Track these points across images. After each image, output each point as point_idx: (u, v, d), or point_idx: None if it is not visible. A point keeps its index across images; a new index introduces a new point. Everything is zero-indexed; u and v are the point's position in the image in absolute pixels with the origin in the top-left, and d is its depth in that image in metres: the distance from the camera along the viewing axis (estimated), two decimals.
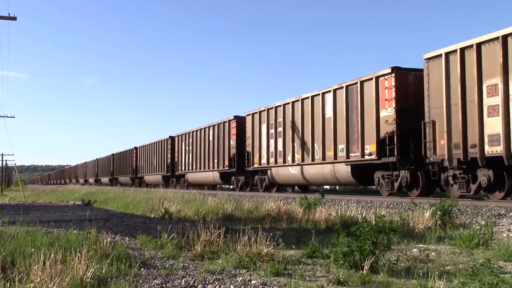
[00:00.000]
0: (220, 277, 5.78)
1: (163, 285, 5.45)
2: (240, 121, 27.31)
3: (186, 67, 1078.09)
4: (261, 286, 5.36)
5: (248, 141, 26.06)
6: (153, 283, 5.52)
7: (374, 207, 13.26)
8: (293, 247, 7.49)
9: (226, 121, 28.72)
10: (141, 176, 46.87)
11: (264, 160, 24.30)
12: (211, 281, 5.59)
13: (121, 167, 55.00)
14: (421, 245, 8.02)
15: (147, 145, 45.41)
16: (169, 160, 38.59)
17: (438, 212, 10.12)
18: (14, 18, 22.38)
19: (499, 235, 8.73)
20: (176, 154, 37.47)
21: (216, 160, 29.59)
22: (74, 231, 8.12)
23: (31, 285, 5.02)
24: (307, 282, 5.51)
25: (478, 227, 8.91)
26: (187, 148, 34.89)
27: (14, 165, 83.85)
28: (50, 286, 4.99)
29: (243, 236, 7.11)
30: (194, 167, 33.22)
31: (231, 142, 27.79)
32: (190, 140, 34.26)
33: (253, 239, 6.90)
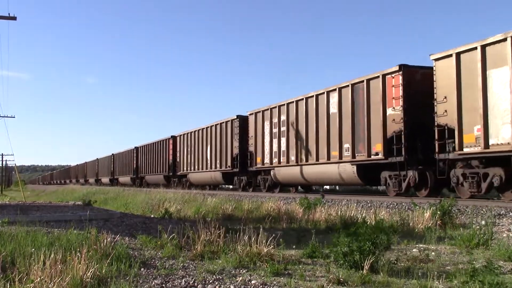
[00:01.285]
0: (220, 277, 5.78)
1: (163, 285, 5.45)
2: (410, 73, 15.94)
3: (187, 67, 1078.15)
4: (261, 286, 5.36)
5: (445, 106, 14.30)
6: (153, 283, 5.52)
7: (374, 207, 13.26)
8: (293, 247, 7.50)
9: (386, 74, 16.35)
10: (184, 173, 35.55)
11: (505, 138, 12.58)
12: (211, 281, 5.59)
13: (149, 163, 43.84)
14: (421, 245, 8.02)
15: (194, 131, 33.73)
16: (236, 150, 27.17)
17: (438, 212, 10.14)
18: (14, 18, 22.36)
19: (499, 235, 8.73)
20: (251, 142, 25.66)
21: (348, 145, 18.21)
22: (74, 231, 8.11)
23: (31, 285, 5.02)
24: (307, 282, 5.51)
25: (478, 227, 8.92)
26: (275, 131, 23.55)
27: (14, 165, 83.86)
28: (50, 286, 4.99)
29: (243, 236, 7.11)
30: (293, 158, 21.76)
31: (391, 113, 16.10)
32: (283, 118, 22.80)
33: (253, 239, 6.90)
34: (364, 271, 5.63)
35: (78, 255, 5.61)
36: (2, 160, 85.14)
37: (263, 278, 5.73)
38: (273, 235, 7.14)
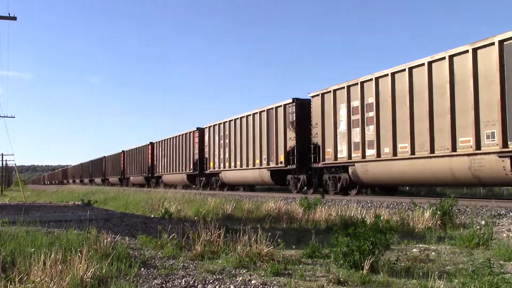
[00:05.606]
0: (220, 277, 5.78)
1: (163, 285, 5.45)
2: None
3: (188, 66, 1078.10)
4: (261, 286, 5.36)
5: None
6: (153, 283, 5.52)
7: (374, 207, 13.27)
8: (293, 247, 7.50)
9: None
10: (215, 171, 29.55)
11: None
12: (211, 281, 5.59)
13: (168, 161, 37.92)
14: (421, 245, 8.02)
15: (229, 121, 27.86)
16: (291, 142, 21.58)
17: (438, 212, 10.14)
18: (14, 18, 22.41)
19: (499, 235, 8.73)
20: (316, 131, 20.13)
21: (497, 126, 12.75)
22: (74, 231, 8.12)
23: (31, 285, 5.02)
24: (307, 282, 5.51)
25: (478, 227, 8.92)
26: (356, 116, 18.01)
27: (14, 165, 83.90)
28: (50, 286, 4.99)
29: (243, 236, 7.11)
30: (388, 150, 16.37)
31: None
32: (369, 98, 17.33)
33: (253, 239, 6.90)
34: (364, 271, 5.63)
35: (78, 255, 5.61)
36: (2, 160, 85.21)
37: (263, 278, 5.73)
38: (273, 235, 7.14)
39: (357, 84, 17.86)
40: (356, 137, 17.80)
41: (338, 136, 18.80)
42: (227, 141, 27.79)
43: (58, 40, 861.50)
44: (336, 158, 18.85)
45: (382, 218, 7.09)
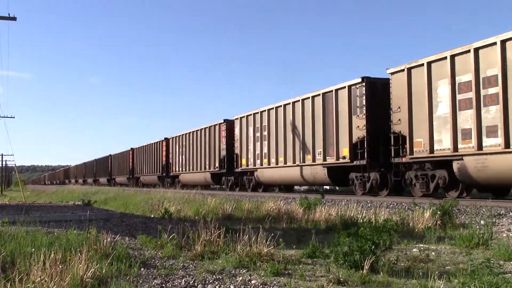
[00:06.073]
0: (220, 277, 5.78)
1: (163, 285, 5.45)
2: None
3: (190, 67, 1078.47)
4: (261, 286, 5.36)
5: None
6: (153, 283, 5.52)
7: (374, 207, 13.27)
8: (293, 247, 7.50)
9: None
10: (248, 169, 25.83)
11: None
12: (211, 281, 5.59)
13: (187, 159, 33.94)
14: (421, 245, 8.02)
15: (268, 110, 23.79)
16: (359, 132, 17.40)
17: (438, 212, 10.15)
18: (14, 18, 22.42)
19: (499, 235, 8.74)
20: (399, 117, 15.84)
21: None
22: (74, 231, 8.12)
23: (31, 285, 5.02)
24: (307, 282, 5.51)
25: (478, 227, 8.92)
26: (468, 94, 13.59)
27: (14, 165, 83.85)
28: (50, 286, 4.99)
29: (243, 236, 7.11)
30: None
31: None
32: (489, 70, 13.09)
33: (253, 239, 6.90)
34: (364, 271, 5.63)
35: (78, 255, 5.62)
36: (2, 160, 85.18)
37: (263, 278, 5.73)
38: (273, 235, 7.14)
39: (468, 51, 13.59)
40: (465, 122, 13.64)
41: (434, 122, 14.63)
42: (265, 133, 23.52)
43: (58, 40, 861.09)
44: (432, 150, 14.67)
45: (380, 219, 7.09)
